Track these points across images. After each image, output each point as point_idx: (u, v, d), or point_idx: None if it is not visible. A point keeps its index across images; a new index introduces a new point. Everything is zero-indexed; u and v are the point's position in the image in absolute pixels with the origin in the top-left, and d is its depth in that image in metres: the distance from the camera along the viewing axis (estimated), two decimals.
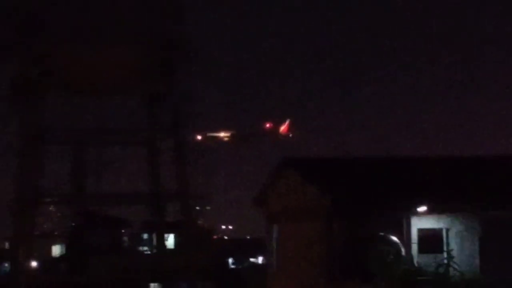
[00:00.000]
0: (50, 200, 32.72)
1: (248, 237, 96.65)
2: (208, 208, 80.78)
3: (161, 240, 32.70)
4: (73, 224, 38.11)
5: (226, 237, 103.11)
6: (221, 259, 57.43)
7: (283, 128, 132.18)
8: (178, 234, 39.06)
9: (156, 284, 39.19)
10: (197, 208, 32.76)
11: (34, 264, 42.51)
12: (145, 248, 49.09)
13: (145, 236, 49.62)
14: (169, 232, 39.30)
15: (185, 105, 29.60)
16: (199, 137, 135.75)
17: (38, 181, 29.05)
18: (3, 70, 28.79)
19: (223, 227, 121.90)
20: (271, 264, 36.97)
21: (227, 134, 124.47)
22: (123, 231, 44.79)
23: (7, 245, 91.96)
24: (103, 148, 31.94)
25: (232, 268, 64.09)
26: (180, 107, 29.47)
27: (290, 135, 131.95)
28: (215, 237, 78.69)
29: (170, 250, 37.53)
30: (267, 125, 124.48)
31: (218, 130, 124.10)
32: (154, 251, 37.64)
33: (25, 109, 28.24)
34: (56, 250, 61.33)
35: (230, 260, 68.01)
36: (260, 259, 65.85)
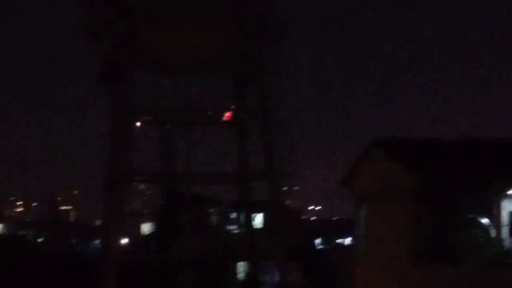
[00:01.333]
0: (140, 179, 33.21)
1: (335, 218, 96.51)
2: (296, 188, 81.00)
3: (249, 220, 32.86)
4: (162, 203, 38.61)
5: (313, 218, 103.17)
6: (308, 240, 57.45)
7: (226, 116, 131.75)
8: (266, 213, 39.16)
9: (243, 263, 39.45)
10: (285, 188, 32.68)
11: (124, 241, 43.34)
12: (233, 227, 49.46)
13: (233, 215, 50.05)
14: (257, 212, 39.46)
15: (273, 84, 29.54)
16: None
17: (128, 160, 29.52)
18: (94, 51, 29.27)
19: (311, 207, 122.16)
20: (358, 245, 36.79)
21: None
22: (211, 210, 45.12)
23: (98, 222, 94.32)
24: (191, 128, 32.28)
25: (320, 249, 64.04)
26: (268, 86, 29.42)
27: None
28: (302, 217, 78.72)
29: (258, 229, 37.64)
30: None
31: None
32: (242, 230, 37.83)
33: (116, 89, 28.68)
34: (145, 228, 62.37)
35: (318, 241, 67.98)
36: (347, 240, 65.59)
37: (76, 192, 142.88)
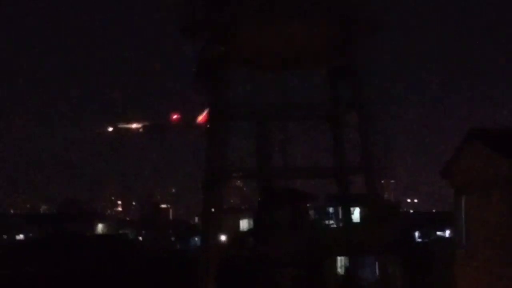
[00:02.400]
0: (237, 175, 33.38)
1: (434, 211, 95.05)
2: (392, 181, 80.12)
3: (347, 214, 32.63)
4: (259, 199, 38.75)
5: (411, 211, 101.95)
6: (407, 233, 56.70)
7: (201, 117, 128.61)
8: (364, 207, 38.85)
9: (342, 258, 39.24)
10: (382, 181, 32.34)
11: (223, 238, 43.71)
12: (331, 222, 49.29)
13: (331, 209, 49.86)
14: (354, 206, 39.18)
15: (368, 79, 29.28)
16: (110, 129, 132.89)
17: (225, 157, 29.71)
18: (191, 48, 29.60)
19: (408, 200, 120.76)
20: (458, 238, 36.02)
21: (139, 126, 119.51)
22: (308, 205, 45.03)
23: (197, 219, 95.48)
24: (287, 123, 32.26)
25: (419, 242, 63.17)
26: (363, 81, 29.18)
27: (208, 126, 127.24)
28: (400, 210, 77.88)
29: (356, 224, 37.38)
30: (174, 116, 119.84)
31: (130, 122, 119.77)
32: (340, 225, 37.61)
33: (212, 87, 28.93)
34: (244, 224, 62.78)
35: (416, 234, 67.10)
36: (447, 233, 64.52)
37: (173, 190, 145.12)
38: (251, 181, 38.50)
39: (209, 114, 29.21)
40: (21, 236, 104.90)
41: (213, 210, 29.42)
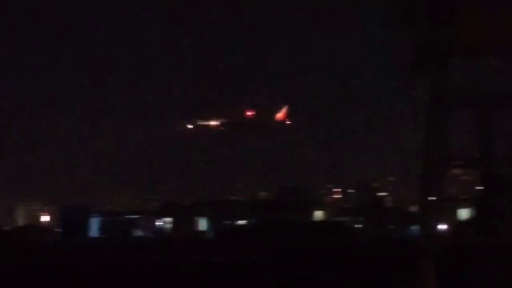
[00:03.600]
0: (457, 164, 32.66)
1: None
2: None
3: None
4: (481, 187, 37.68)
5: None
6: None
7: (280, 114, 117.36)
8: None
9: None
10: None
11: (442, 227, 42.93)
12: None
13: None
14: None
15: None
16: (190, 126, 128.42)
17: (445, 145, 29.17)
18: (407, 35, 29.23)
19: None
20: None
21: (217, 123, 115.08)
22: None
23: (414, 208, 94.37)
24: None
25: None
26: None
27: (287, 122, 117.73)
28: None
29: None
30: (248, 113, 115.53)
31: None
32: None
33: (431, 74, 28.42)
34: (462, 214, 61.31)
35: None
36: None
37: (392, 178, 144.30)
38: (471, 169, 37.48)
39: (430, 103, 28.70)
40: (242, 222, 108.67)
41: (432, 198, 28.97)
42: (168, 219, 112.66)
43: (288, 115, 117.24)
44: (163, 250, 61.56)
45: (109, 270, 39.74)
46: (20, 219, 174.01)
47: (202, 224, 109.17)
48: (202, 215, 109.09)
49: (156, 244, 78.58)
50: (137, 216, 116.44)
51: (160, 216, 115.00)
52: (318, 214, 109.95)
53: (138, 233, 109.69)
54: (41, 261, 50.43)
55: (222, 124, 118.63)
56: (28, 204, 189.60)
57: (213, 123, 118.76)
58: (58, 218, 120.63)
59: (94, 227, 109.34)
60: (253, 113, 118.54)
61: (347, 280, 35.69)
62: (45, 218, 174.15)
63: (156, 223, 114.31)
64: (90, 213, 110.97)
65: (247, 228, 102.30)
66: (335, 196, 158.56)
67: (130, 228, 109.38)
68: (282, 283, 34.33)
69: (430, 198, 29.34)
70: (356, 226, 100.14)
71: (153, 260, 48.59)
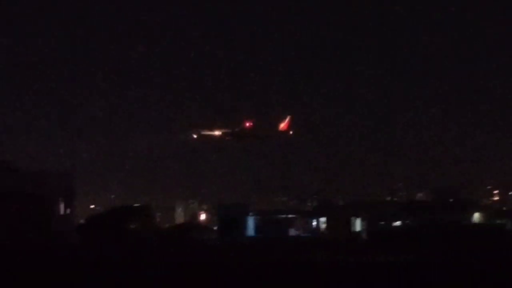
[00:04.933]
0: None
1: None
2: None
3: None
4: None
5: None
6: None
7: (283, 125, 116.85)
8: None
9: None
10: None
11: None
12: None
13: None
14: None
15: None
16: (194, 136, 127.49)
17: None
18: None
19: None
20: None
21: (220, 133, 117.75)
22: None
23: None
24: None
25: None
26: None
27: (291, 132, 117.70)
28: None
29: None
30: (247, 124, 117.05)
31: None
32: None
33: None
34: None
35: None
36: None
37: None
38: None
39: None
40: (397, 223, 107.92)
41: None
42: (323, 219, 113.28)
43: (291, 126, 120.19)
44: (318, 250, 62.09)
45: (266, 269, 40.68)
46: (179, 218, 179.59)
47: (357, 224, 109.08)
48: (357, 215, 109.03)
49: (311, 244, 79.30)
50: (293, 216, 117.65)
51: (316, 216, 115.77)
52: (476, 216, 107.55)
53: (294, 232, 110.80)
54: (201, 258, 52.05)
55: (224, 134, 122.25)
56: (187, 202, 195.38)
57: (217, 133, 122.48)
58: (216, 217, 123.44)
59: (250, 226, 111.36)
60: (251, 124, 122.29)
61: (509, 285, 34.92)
62: (203, 217, 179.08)
63: (312, 223, 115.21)
64: (247, 212, 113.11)
65: (403, 229, 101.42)
66: (494, 198, 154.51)
67: (286, 228, 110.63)
68: (440, 285, 34.02)
69: None
70: None
71: (309, 259, 49.25)
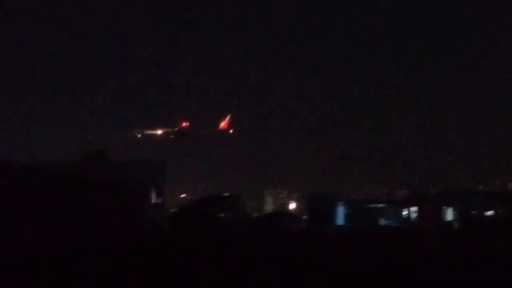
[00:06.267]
0: None
1: None
2: None
3: None
4: None
5: None
6: None
7: (223, 123, 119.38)
8: None
9: None
10: None
11: None
12: None
13: None
14: None
15: None
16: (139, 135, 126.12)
17: None
18: None
19: None
20: None
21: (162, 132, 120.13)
22: None
23: None
24: None
25: None
26: None
27: (231, 131, 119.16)
28: None
29: None
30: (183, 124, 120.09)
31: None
32: None
33: None
34: None
35: None
36: None
37: None
38: None
39: None
40: (490, 213, 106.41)
41: None
42: (414, 209, 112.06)
43: (232, 124, 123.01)
44: (409, 239, 61.53)
45: (357, 258, 40.52)
46: (269, 206, 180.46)
47: (449, 214, 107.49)
48: (448, 205, 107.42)
49: (402, 233, 78.56)
50: (383, 205, 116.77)
51: (406, 205, 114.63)
52: None
53: (384, 222, 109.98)
54: (291, 247, 52.24)
55: (166, 133, 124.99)
56: (276, 192, 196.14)
57: (159, 132, 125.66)
58: (306, 206, 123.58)
59: (340, 215, 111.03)
60: (187, 124, 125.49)
61: None
62: (292, 205, 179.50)
63: (403, 213, 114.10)
64: (336, 201, 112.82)
65: (496, 219, 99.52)
66: None
67: (376, 217, 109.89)
68: None
69: None
70: None
71: (401, 249, 48.86)
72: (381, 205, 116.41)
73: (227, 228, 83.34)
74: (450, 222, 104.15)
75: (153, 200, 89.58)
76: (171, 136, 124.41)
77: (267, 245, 53.47)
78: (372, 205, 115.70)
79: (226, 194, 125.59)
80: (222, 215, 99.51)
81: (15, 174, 37.85)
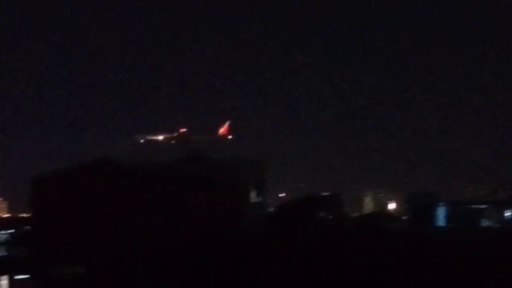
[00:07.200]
0: None
1: None
2: None
3: None
4: None
5: None
6: None
7: (222, 129, 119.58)
8: None
9: None
10: None
11: None
12: None
13: None
14: None
15: None
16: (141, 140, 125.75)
17: None
18: None
19: None
20: None
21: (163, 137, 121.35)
22: None
23: None
24: None
25: None
26: None
27: (230, 137, 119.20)
28: None
29: None
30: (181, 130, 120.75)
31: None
32: None
33: None
34: None
35: None
36: None
37: None
38: None
39: None
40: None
41: None
42: None
43: (231, 130, 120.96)
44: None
45: (458, 260, 40.32)
46: (368, 207, 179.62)
47: None
48: None
49: (505, 235, 77.25)
50: (485, 206, 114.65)
51: (509, 206, 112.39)
52: None
53: (486, 223, 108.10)
54: (390, 247, 52.21)
55: (167, 139, 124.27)
56: (375, 192, 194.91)
57: (160, 137, 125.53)
58: (406, 206, 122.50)
59: (441, 215, 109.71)
60: (184, 130, 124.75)
61: None
62: (391, 206, 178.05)
63: (505, 214, 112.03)
64: (437, 202, 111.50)
65: None
66: None
67: (477, 218, 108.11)
68: None
69: None
70: None
71: (502, 251, 48.25)
72: (483, 206, 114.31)
73: (327, 228, 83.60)
74: None
75: (253, 200, 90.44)
76: (172, 142, 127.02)
77: (368, 246, 53.56)
78: (474, 206, 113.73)
79: (326, 193, 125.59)
80: (321, 214, 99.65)
81: (123, 174, 39.12)
